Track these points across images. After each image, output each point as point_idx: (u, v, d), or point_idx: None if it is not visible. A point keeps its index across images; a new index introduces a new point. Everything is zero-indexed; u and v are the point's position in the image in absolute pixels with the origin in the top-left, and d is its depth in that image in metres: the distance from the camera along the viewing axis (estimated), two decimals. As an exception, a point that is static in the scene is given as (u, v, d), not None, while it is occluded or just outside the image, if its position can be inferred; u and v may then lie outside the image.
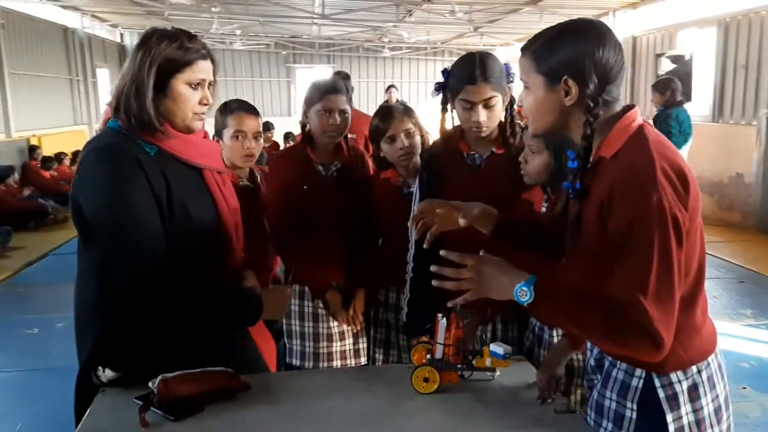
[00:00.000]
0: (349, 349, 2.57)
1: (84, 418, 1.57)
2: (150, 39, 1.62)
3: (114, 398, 1.64)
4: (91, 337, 1.67)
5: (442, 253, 1.47)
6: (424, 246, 1.67)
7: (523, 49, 1.40)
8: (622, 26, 11.27)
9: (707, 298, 1.43)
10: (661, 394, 1.36)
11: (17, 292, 5.88)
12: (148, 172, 1.57)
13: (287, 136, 9.58)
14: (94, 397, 1.65)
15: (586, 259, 1.39)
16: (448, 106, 2.09)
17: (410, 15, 11.60)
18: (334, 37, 16.42)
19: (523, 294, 1.33)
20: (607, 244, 1.28)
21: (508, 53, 17.21)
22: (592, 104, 1.31)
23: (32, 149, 10.15)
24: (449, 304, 1.51)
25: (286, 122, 12.97)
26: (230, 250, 1.79)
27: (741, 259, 6.55)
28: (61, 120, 12.53)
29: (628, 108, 1.36)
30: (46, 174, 9.75)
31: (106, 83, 14.86)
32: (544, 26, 1.45)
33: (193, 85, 1.64)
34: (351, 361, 2.56)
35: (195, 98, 1.65)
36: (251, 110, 2.48)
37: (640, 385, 1.38)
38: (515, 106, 2.10)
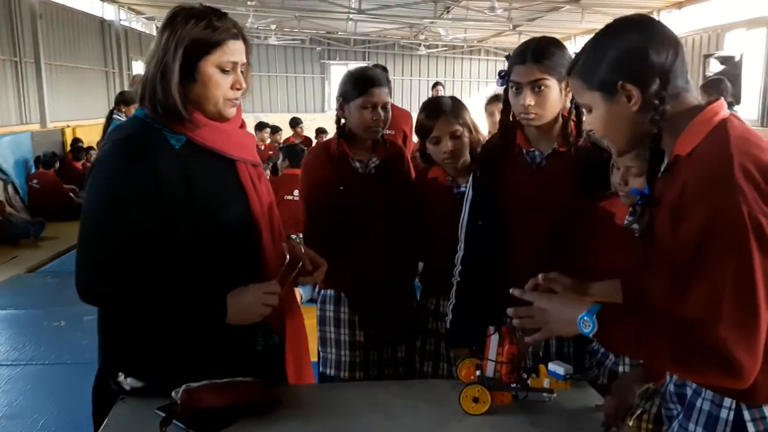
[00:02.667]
0: (388, 358, 2.41)
1: (102, 429, 1.46)
2: (175, 19, 1.48)
3: (134, 407, 1.53)
4: (109, 340, 1.56)
5: (511, 291, 1.44)
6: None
7: (567, 74, 1.33)
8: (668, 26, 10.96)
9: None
10: (751, 429, 1.19)
11: (46, 282, 5.84)
12: (164, 174, 1.45)
13: (320, 131, 9.47)
14: (113, 404, 1.53)
15: (662, 272, 1.23)
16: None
17: (448, 12, 11.40)
18: (370, 33, 16.32)
19: (586, 325, 1.26)
20: (679, 256, 1.14)
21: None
22: (657, 102, 1.19)
23: (74, 142, 10.13)
24: (522, 338, 1.38)
25: (320, 119, 12.91)
26: (261, 249, 1.63)
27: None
28: (97, 111, 12.59)
29: (713, 101, 1.21)
30: (78, 164, 9.77)
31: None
32: (585, 25, 1.31)
33: (225, 68, 1.50)
34: (389, 371, 2.40)
35: (227, 82, 1.51)
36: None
37: (731, 418, 1.20)
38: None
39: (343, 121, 2.31)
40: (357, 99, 2.23)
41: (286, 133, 9.73)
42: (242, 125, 1.64)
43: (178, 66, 1.44)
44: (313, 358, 2.09)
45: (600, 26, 1.32)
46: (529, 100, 1.81)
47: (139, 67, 15.08)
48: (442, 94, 8.88)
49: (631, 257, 1.54)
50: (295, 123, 9.64)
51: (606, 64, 1.22)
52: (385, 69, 5.43)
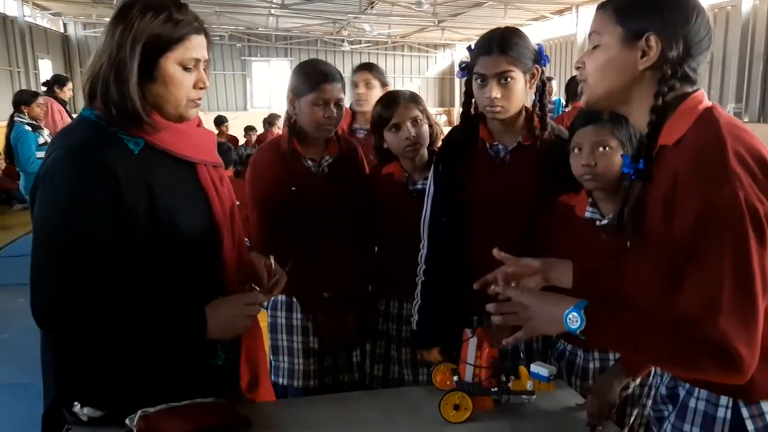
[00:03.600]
0: (343, 364, 2.31)
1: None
2: (130, 11, 1.32)
3: (84, 440, 1.36)
4: (62, 366, 1.40)
5: (489, 289, 1.37)
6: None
7: (603, 4, 1.23)
8: (585, 22, 11.30)
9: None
10: (750, 426, 1.16)
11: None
12: (123, 183, 1.30)
13: (249, 129, 9.25)
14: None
15: (649, 263, 1.19)
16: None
17: (372, 7, 11.34)
18: (292, 29, 16.07)
19: (574, 321, 1.19)
20: (674, 247, 1.09)
21: (468, 48, 17.24)
22: (670, 72, 1.15)
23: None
24: (494, 321, 1.29)
25: (243, 117, 12.60)
26: (221, 255, 1.50)
27: None
28: (1, 113, 11.83)
29: (695, 91, 1.18)
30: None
31: (48, 75, 14.14)
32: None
33: (187, 66, 1.36)
34: (345, 377, 2.30)
35: (189, 81, 1.37)
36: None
37: (728, 416, 1.18)
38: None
39: (293, 118, 2.19)
40: (308, 95, 2.10)
41: (211, 132, 9.46)
42: (199, 123, 1.50)
43: (137, 64, 1.30)
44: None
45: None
46: (496, 92, 1.76)
47: (45, 66, 14.29)
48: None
49: (592, 249, 1.51)
50: (219, 121, 9.41)
51: (648, 10, 1.17)
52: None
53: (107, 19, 1.39)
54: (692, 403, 1.23)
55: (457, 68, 1.92)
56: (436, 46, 17.54)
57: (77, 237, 1.28)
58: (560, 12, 11.89)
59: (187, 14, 1.37)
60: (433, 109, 16.78)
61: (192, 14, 1.39)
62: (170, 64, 1.34)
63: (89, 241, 1.29)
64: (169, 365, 1.41)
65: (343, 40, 16.33)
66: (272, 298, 1.57)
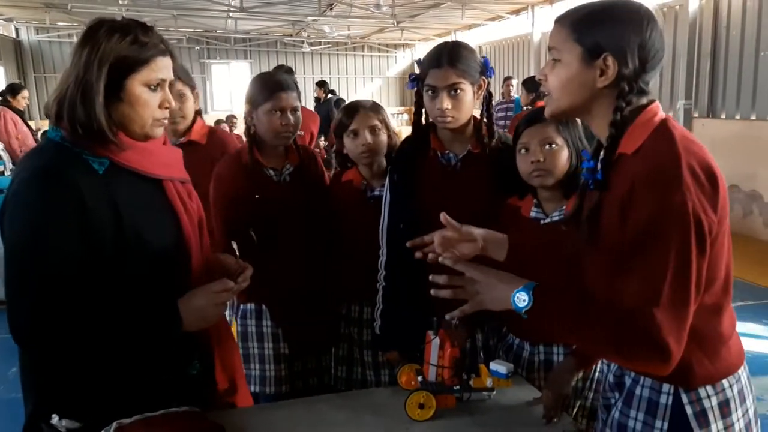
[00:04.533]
0: (312, 368, 2.37)
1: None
2: (96, 32, 1.36)
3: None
4: (41, 380, 1.43)
5: (439, 259, 1.40)
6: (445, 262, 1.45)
7: (561, 18, 1.28)
8: (540, 21, 11.51)
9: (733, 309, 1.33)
10: (689, 410, 1.27)
11: None
12: (89, 202, 1.33)
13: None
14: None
15: (604, 260, 1.27)
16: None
17: (331, 9, 11.36)
18: (251, 31, 15.94)
19: (521, 300, 1.24)
20: (626, 248, 1.18)
21: (428, 48, 17.31)
22: (627, 88, 1.22)
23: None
24: (447, 317, 1.37)
25: (204, 119, 12.46)
26: (190, 268, 1.54)
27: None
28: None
29: (650, 103, 1.26)
30: None
31: (1, 81, 13.78)
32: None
33: (152, 87, 1.40)
34: (314, 380, 2.36)
35: (155, 101, 1.41)
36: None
37: (670, 402, 1.28)
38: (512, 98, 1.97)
39: (252, 129, 2.25)
40: (265, 104, 2.17)
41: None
42: (165, 141, 1.54)
43: (103, 85, 1.33)
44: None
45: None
46: (446, 103, 1.84)
47: (-1, 72, 13.90)
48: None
49: (539, 247, 1.60)
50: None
51: (605, 30, 1.22)
52: (290, 70, 5.34)
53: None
54: (638, 390, 1.32)
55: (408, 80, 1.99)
56: (396, 46, 17.62)
57: (47, 257, 1.31)
58: (516, 12, 12.05)
59: (153, 36, 1.41)
60: (394, 109, 16.89)
61: (158, 36, 1.43)
62: (136, 85, 1.38)
63: (59, 260, 1.32)
64: (147, 374, 1.45)
65: (303, 42, 16.28)
66: (241, 286, 1.60)
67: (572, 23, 1.25)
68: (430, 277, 1.38)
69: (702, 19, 7.95)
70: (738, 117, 7.64)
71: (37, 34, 14.94)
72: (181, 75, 2.40)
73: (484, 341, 2.02)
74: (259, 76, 2.32)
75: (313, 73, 17.07)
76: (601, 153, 1.30)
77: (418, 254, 1.52)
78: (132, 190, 1.42)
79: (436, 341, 1.60)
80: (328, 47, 17.08)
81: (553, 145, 1.73)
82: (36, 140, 6.40)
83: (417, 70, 1.94)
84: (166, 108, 1.44)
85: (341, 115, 2.26)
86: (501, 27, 13.03)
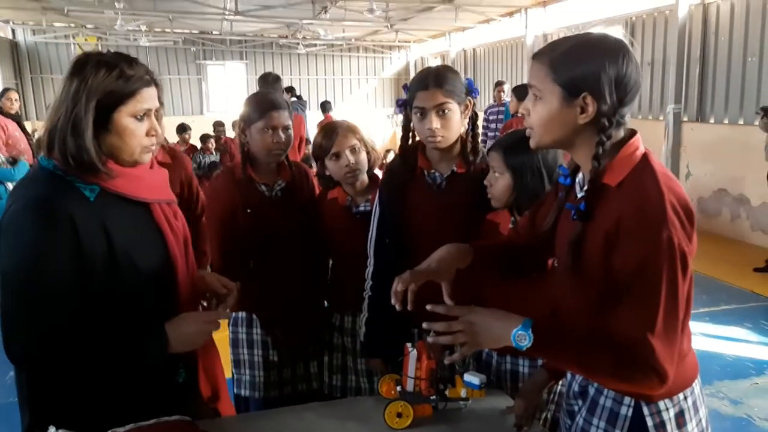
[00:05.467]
0: (301, 374, 2.46)
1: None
2: (84, 68, 1.44)
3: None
4: (36, 394, 1.51)
5: (428, 307, 1.41)
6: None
7: (538, 55, 1.33)
8: (534, 24, 11.58)
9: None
10: (649, 422, 1.36)
11: None
12: (81, 228, 1.41)
13: (205, 138, 9.19)
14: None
15: (589, 287, 1.34)
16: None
17: (326, 12, 11.42)
18: (246, 33, 16.00)
19: (522, 338, 1.28)
20: (614, 278, 1.26)
21: (422, 50, 17.41)
22: (607, 123, 1.27)
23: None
24: (429, 340, 1.44)
25: (199, 121, 12.53)
26: (176, 287, 1.63)
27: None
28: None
29: (631, 134, 1.33)
30: None
31: (-2, 83, 13.82)
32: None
33: (139, 117, 1.48)
34: (303, 386, 2.45)
35: (142, 130, 1.49)
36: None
37: (630, 414, 1.37)
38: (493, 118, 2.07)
39: (246, 146, 2.34)
40: (258, 122, 2.27)
41: (171, 139, 9.35)
42: (152, 165, 1.62)
43: (92, 119, 1.41)
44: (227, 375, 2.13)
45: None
46: (435, 123, 1.93)
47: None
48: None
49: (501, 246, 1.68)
50: (182, 129, 9.19)
51: (582, 70, 1.25)
52: (278, 78, 5.42)
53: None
54: (601, 400, 1.41)
55: (402, 91, 2.08)
56: (390, 48, 17.69)
57: (42, 284, 1.38)
58: (509, 14, 12.10)
59: (138, 69, 1.49)
60: (389, 110, 16.97)
61: (143, 68, 1.50)
62: (123, 117, 1.46)
63: (54, 287, 1.39)
64: (136, 385, 1.52)
65: (298, 43, 16.34)
66: (231, 314, 1.69)
67: (550, 62, 1.29)
68: (424, 325, 1.40)
69: (691, 25, 8.05)
70: (726, 121, 7.74)
71: (34, 35, 14.98)
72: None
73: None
74: (253, 96, 2.42)
75: (308, 74, 17.17)
76: (582, 180, 1.38)
77: (400, 307, 1.54)
78: (121, 213, 1.49)
79: (414, 353, 1.69)
80: (324, 48, 17.13)
81: (496, 173, 1.86)
82: (31, 144, 6.29)
83: (405, 95, 2.03)
84: (153, 135, 1.51)
85: (320, 138, 2.35)
86: (494, 30, 13.07)
